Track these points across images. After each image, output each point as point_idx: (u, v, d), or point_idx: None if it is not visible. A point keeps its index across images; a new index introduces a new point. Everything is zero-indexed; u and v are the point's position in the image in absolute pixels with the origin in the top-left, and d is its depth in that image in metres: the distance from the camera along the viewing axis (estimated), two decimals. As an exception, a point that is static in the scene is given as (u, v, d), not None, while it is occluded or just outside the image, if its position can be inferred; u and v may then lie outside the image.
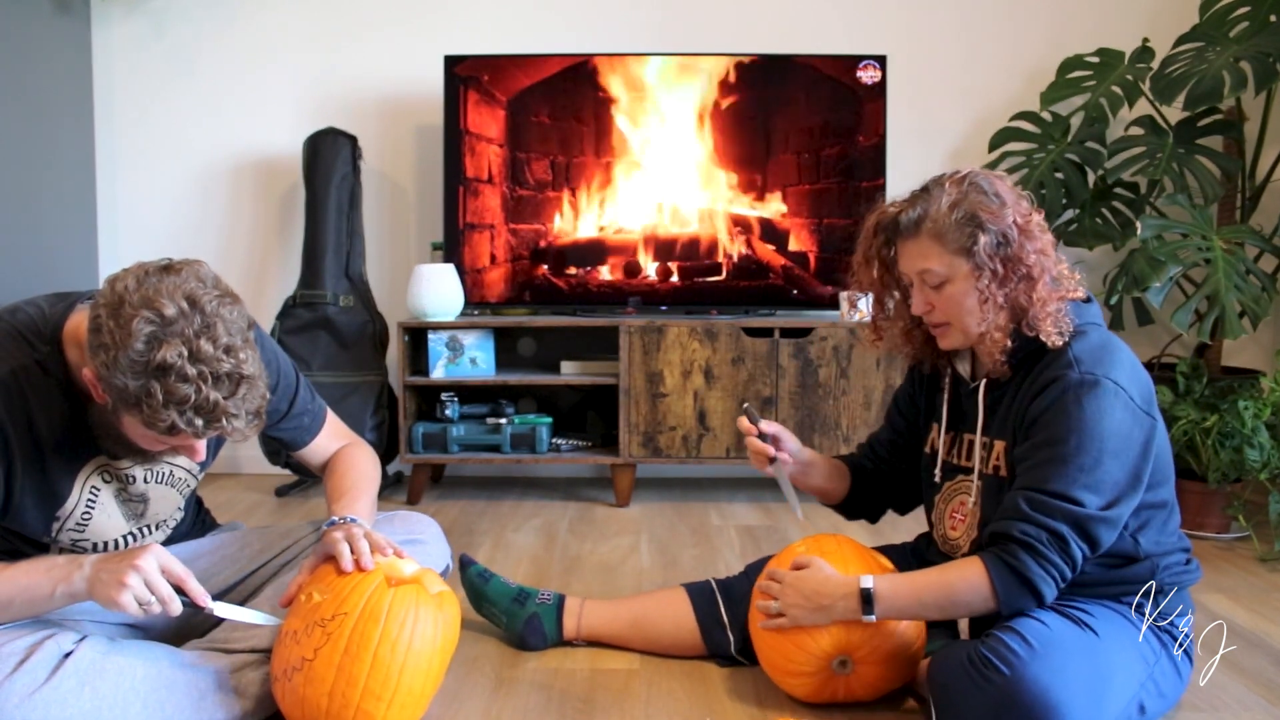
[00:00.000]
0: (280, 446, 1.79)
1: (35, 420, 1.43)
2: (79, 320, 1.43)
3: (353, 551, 1.48)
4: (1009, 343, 1.54)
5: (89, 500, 1.52)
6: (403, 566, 1.54)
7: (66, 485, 1.49)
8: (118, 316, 1.28)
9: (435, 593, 1.51)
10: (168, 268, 1.34)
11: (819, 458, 1.84)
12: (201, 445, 1.41)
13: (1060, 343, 1.51)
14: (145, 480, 1.58)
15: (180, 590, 1.40)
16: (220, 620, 1.59)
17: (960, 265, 1.52)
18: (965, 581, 1.48)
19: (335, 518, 1.60)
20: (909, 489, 1.86)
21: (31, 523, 1.49)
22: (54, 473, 1.47)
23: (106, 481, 1.54)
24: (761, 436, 1.75)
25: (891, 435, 1.84)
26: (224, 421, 1.32)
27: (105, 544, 1.57)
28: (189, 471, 1.65)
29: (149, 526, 1.64)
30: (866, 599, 1.53)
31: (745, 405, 1.79)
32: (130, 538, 1.60)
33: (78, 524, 1.53)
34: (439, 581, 1.56)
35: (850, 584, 1.55)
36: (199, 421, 1.30)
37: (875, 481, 1.86)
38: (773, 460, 1.75)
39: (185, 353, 1.27)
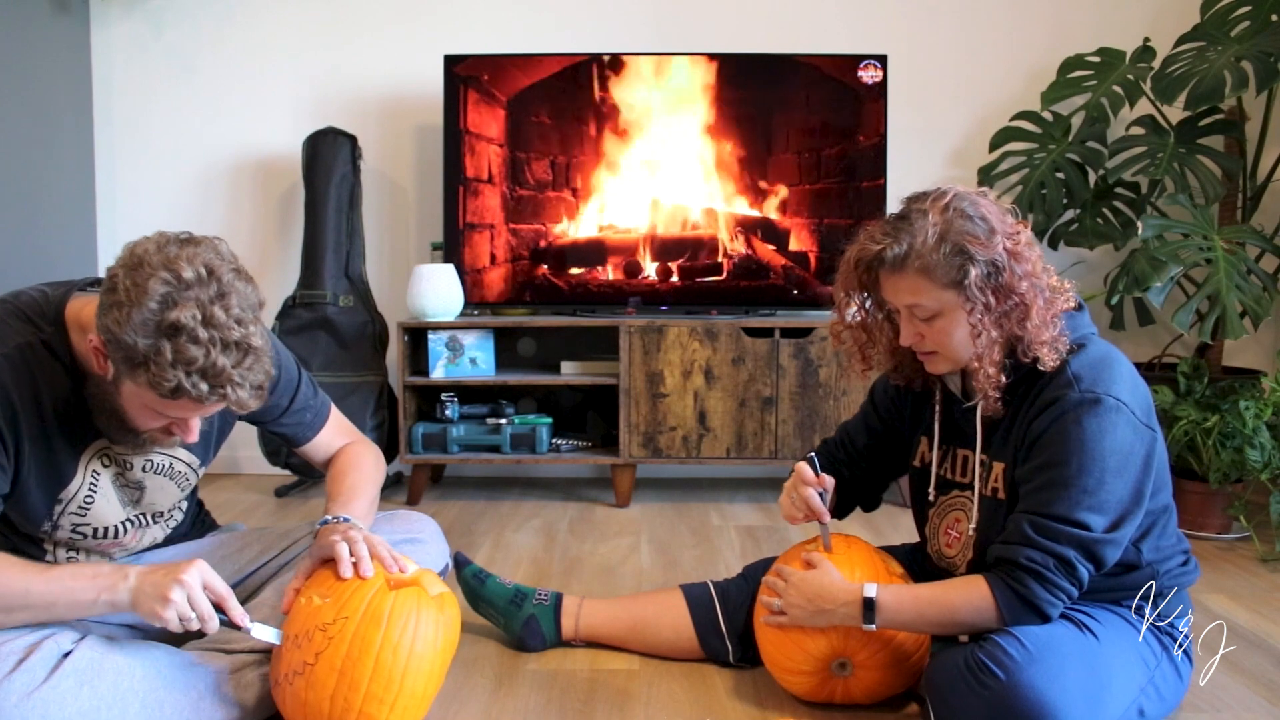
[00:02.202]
0: (283, 442, 1.78)
1: (42, 397, 1.43)
2: (80, 304, 1.44)
3: (352, 555, 1.48)
4: (1003, 379, 1.51)
5: (91, 484, 1.52)
6: (403, 567, 1.54)
7: (71, 466, 1.50)
8: (135, 276, 1.29)
9: (435, 594, 1.51)
10: (189, 240, 1.35)
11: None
12: (196, 424, 1.41)
13: (1056, 362, 1.49)
14: (143, 469, 1.58)
15: (219, 608, 1.41)
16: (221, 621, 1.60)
17: (951, 298, 1.48)
18: (969, 603, 1.47)
19: (329, 517, 1.59)
20: (879, 488, 1.85)
21: (35, 503, 1.49)
22: (59, 452, 1.48)
23: (106, 465, 1.54)
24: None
25: (870, 440, 1.81)
26: (227, 389, 1.32)
27: (104, 529, 1.58)
28: (189, 466, 1.65)
29: (146, 515, 1.64)
30: (868, 608, 1.52)
31: (811, 455, 1.69)
32: (127, 525, 1.61)
33: (80, 507, 1.53)
34: (439, 583, 1.55)
35: (853, 591, 1.54)
36: (204, 386, 1.30)
37: (850, 486, 1.83)
38: (823, 521, 1.67)
39: (199, 316, 1.28)
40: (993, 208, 1.51)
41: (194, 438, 1.43)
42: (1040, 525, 1.43)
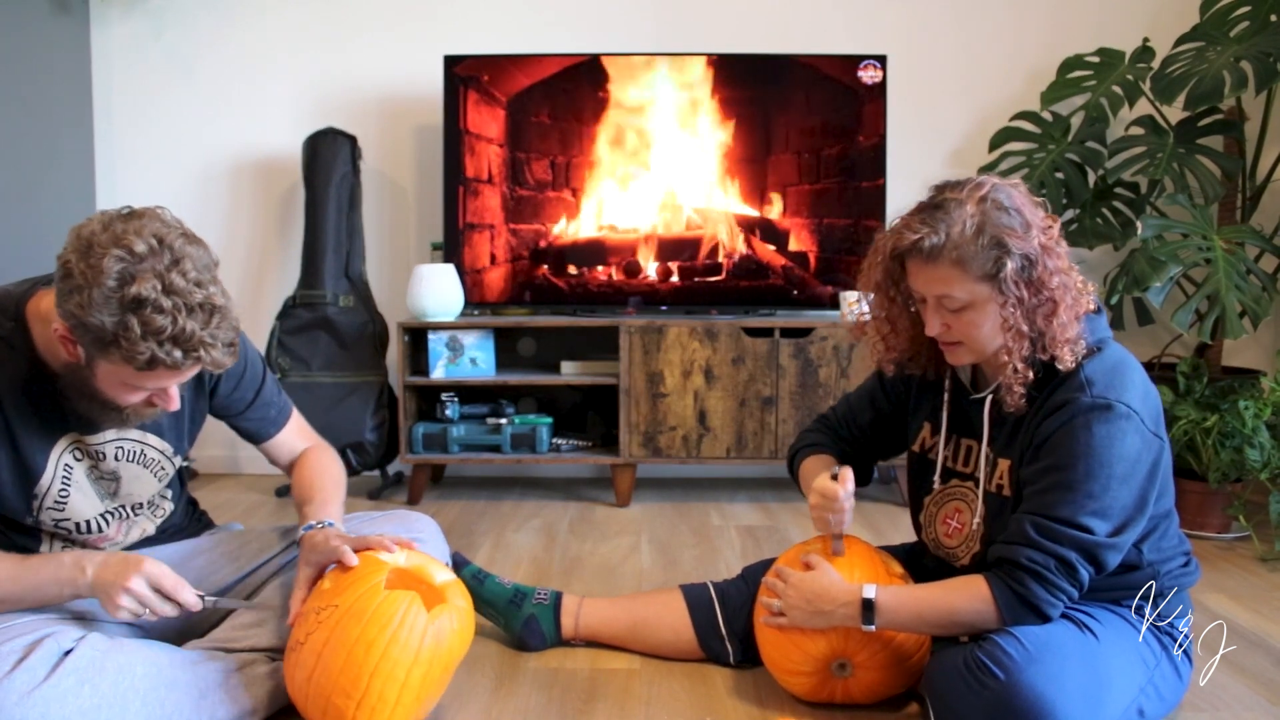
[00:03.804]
0: (246, 439, 1.79)
1: (2, 396, 1.44)
2: (40, 297, 1.46)
3: (369, 547, 1.52)
4: (1030, 374, 1.49)
5: (64, 477, 1.53)
6: (434, 573, 1.54)
7: (40, 461, 1.50)
8: (88, 257, 1.30)
9: (456, 607, 1.50)
10: (132, 214, 1.36)
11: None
12: (175, 392, 1.42)
13: (1072, 363, 1.48)
14: (116, 458, 1.58)
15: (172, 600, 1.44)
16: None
17: (983, 291, 1.47)
18: (969, 604, 1.47)
19: (312, 523, 1.60)
20: (872, 463, 1.86)
21: (11, 500, 1.50)
22: (26, 448, 1.48)
23: (78, 459, 1.55)
24: None
25: (874, 418, 1.80)
26: (201, 351, 1.33)
27: (85, 523, 1.58)
28: (162, 453, 1.65)
29: (126, 507, 1.64)
30: (868, 608, 1.52)
31: (839, 470, 1.64)
32: (107, 517, 1.61)
33: (56, 502, 1.54)
34: (461, 596, 1.54)
35: (853, 592, 1.54)
36: (177, 353, 1.32)
37: (848, 461, 1.81)
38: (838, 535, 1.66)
39: (159, 286, 1.29)
40: (1026, 200, 1.50)
41: (175, 405, 1.44)
42: (1043, 526, 1.43)
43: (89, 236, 1.32)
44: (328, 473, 1.76)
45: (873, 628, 1.53)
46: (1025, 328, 1.47)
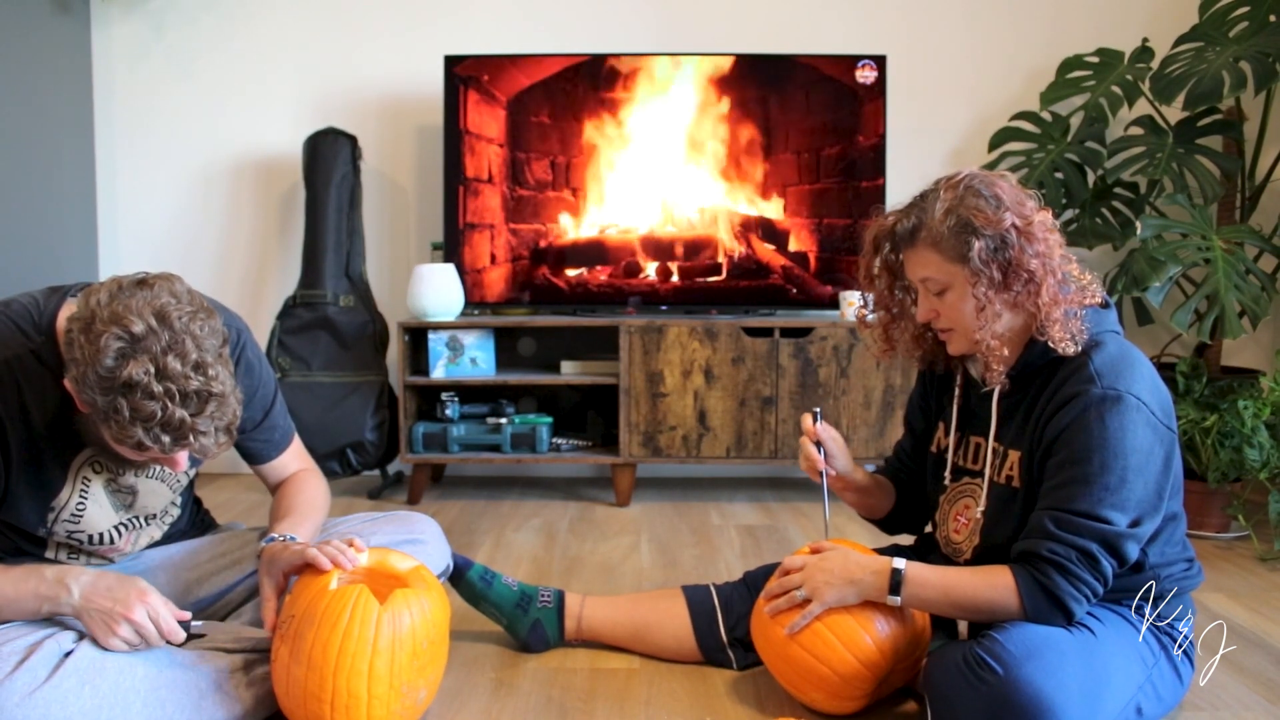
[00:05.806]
0: (245, 457, 1.76)
1: (29, 409, 1.44)
2: (69, 309, 1.44)
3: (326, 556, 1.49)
4: (1006, 351, 1.53)
5: (82, 491, 1.53)
6: (396, 563, 1.55)
7: (60, 476, 1.50)
8: (89, 332, 1.29)
9: (419, 591, 1.49)
10: (142, 282, 1.34)
11: (864, 475, 1.80)
12: (181, 458, 1.40)
13: (1073, 351, 1.49)
14: (135, 473, 1.58)
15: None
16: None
17: (957, 272, 1.51)
18: (994, 590, 1.47)
19: (275, 535, 1.58)
20: (926, 500, 1.85)
21: (27, 513, 1.50)
22: (48, 462, 1.48)
23: (97, 472, 1.54)
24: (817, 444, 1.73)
25: (913, 442, 1.83)
26: (191, 438, 1.32)
27: (99, 535, 1.58)
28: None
29: (139, 518, 1.64)
30: (896, 579, 1.53)
31: (817, 410, 1.77)
32: (121, 529, 1.61)
33: (72, 515, 1.53)
34: (425, 578, 1.54)
35: (881, 562, 1.55)
36: (166, 438, 1.30)
37: (911, 493, 1.85)
38: (820, 473, 1.72)
39: (152, 370, 1.27)
40: (1009, 189, 1.53)
41: (182, 468, 1.43)
42: (1062, 520, 1.44)
43: (93, 309, 1.30)
44: (307, 495, 1.73)
45: (898, 600, 1.53)
46: (999, 306, 1.51)
